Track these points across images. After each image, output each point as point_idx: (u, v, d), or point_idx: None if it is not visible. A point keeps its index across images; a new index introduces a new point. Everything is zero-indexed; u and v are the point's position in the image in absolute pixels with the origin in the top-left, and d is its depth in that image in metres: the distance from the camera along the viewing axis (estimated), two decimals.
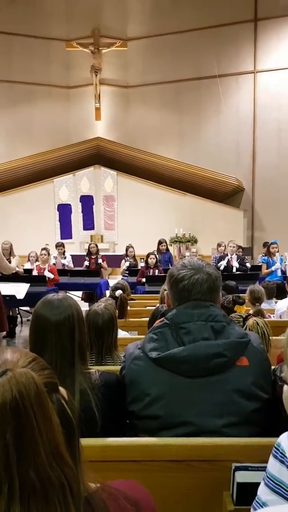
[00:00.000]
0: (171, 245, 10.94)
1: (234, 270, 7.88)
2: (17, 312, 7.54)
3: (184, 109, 13.25)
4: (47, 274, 7.42)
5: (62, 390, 0.76)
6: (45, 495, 0.66)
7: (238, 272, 7.75)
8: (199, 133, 13.27)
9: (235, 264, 7.99)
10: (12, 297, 5.94)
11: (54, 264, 8.07)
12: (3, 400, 0.65)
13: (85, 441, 0.76)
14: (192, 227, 12.01)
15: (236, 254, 8.26)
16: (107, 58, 13.35)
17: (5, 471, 0.65)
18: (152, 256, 7.68)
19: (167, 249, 8.92)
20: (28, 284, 6.35)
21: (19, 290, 6.14)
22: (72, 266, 8.76)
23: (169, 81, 13.24)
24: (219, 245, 9.41)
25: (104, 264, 8.55)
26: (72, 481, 0.68)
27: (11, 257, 7.23)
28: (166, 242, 8.95)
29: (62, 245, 8.97)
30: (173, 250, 11.09)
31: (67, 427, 0.71)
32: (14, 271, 4.33)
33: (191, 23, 12.77)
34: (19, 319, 7.73)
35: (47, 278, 7.25)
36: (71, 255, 9.13)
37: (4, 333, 6.31)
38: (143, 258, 8.20)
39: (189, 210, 12.25)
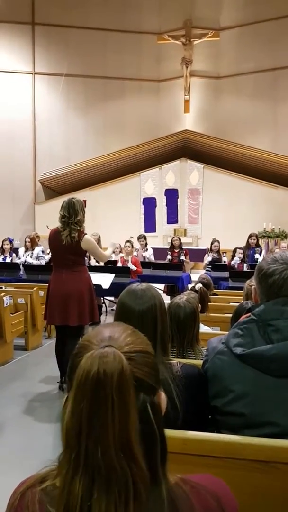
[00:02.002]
0: (258, 240, 10.57)
1: None
2: (102, 301, 7.83)
3: (280, 97, 12.73)
4: (130, 266, 7.59)
5: (162, 397, 0.74)
6: (108, 481, 0.66)
7: None
8: None
9: None
10: (98, 286, 6.17)
11: (135, 255, 8.24)
12: (88, 369, 0.67)
13: (166, 432, 0.75)
14: (283, 221, 11.49)
15: None
16: (198, 49, 13.22)
17: (75, 438, 0.67)
18: (239, 250, 7.51)
19: (257, 244, 8.58)
20: (113, 275, 6.54)
21: (105, 280, 6.34)
22: (153, 259, 8.85)
23: (264, 70, 12.78)
24: None
25: (187, 259, 8.54)
26: (139, 483, 0.67)
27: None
28: (257, 237, 8.62)
29: (144, 237, 9.09)
30: (261, 245, 10.73)
31: (148, 436, 0.69)
32: (109, 259, 4.33)
33: None
34: (104, 308, 8.02)
35: (130, 270, 7.42)
36: (153, 248, 9.23)
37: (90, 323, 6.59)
38: (225, 253, 8.03)
39: (280, 203, 11.76)
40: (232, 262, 7.49)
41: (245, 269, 7.31)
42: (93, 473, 0.66)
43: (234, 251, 7.54)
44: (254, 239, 8.35)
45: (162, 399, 0.75)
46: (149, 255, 8.81)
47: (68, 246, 3.96)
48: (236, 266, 7.47)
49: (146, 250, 8.86)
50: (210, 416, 1.39)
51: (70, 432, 0.68)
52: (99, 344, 0.72)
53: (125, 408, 0.67)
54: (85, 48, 13.24)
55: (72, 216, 3.95)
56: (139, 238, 9.03)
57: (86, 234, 4.06)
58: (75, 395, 0.68)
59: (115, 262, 8.05)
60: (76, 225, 3.96)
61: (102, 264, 7.73)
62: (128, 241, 8.22)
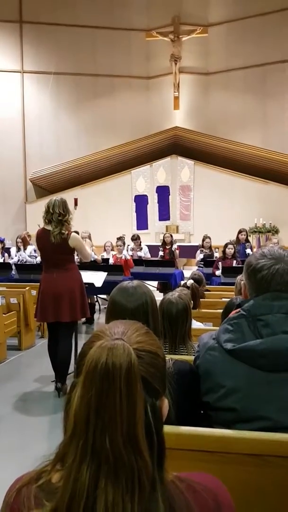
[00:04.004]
0: (249, 236, 10.64)
1: None
2: (95, 299, 7.83)
3: (269, 93, 12.77)
4: (125, 253, 7.63)
5: (165, 404, 0.75)
6: (115, 470, 0.66)
7: None
8: (285, 118, 12.71)
9: None
10: (91, 285, 6.16)
11: (131, 255, 8.25)
12: (96, 359, 0.68)
13: None
14: (274, 217, 11.56)
15: None
16: (186, 46, 13.21)
17: (84, 426, 0.67)
18: (230, 246, 7.52)
19: (247, 240, 8.66)
20: (106, 273, 6.54)
21: (97, 278, 6.33)
22: (149, 256, 8.86)
23: (253, 65, 12.80)
24: None
25: (176, 253, 8.62)
26: (143, 475, 0.67)
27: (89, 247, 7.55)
28: (246, 232, 8.70)
29: (138, 237, 9.10)
30: (252, 240, 10.78)
31: (148, 436, 0.69)
32: (91, 259, 4.55)
33: (276, 4, 12.22)
34: (97, 307, 8.01)
35: (123, 257, 7.43)
36: (146, 246, 9.23)
37: (84, 319, 6.60)
38: (217, 249, 8.05)
39: (271, 199, 11.81)
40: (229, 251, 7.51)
41: (235, 264, 7.32)
42: (100, 462, 0.66)
43: (225, 246, 7.55)
44: (244, 235, 8.42)
45: (165, 406, 0.75)
46: (145, 253, 8.83)
47: (57, 245, 3.99)
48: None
49: (141, 249, 8.87)
50: (202, 412, 1.40)
51: (79, 418, 0.67)
52: (111, 336, 0.73)
53: (132, 401, 0.67)
54: (74, 45, 13.17)
55: (66, 214, 4.01)
56: (132, 239, 9.04)
57: (73, 232, 4.10)
58: (84, 382, 0.68)
59: (108, 260, 8.05)
60: (67, 224, 4.01)
61: (97, 257, 7.74)
62: (119, 238, 8.23)
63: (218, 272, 7.15)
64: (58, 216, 3.98)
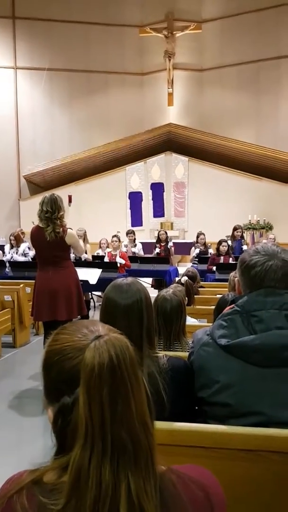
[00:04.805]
0: (244, 232, 10.68)
1: None
2: (90, 296, 7.81)
3: (263, 90, 12.77)
4: (118, 260, 7.59)
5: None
6: (135, 456, 0.67)
7: None
8: (279, 115, 12.72)
9: None
10: (85, 282, 6.16)
11: (125, 251, 8.24)
12: (101, 359, 0.68)
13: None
14: (268, 213, 11.58)
15: None
16: (180, 42, 13.18)
17: (100, 428, 0.67)
18: (224, 243, 7.53)
19: (242, 236, 8.71)
20: (100, 270, 6.53)
21: (92, 275, 6.33)
22: (143, 254, 8.85)
23: (247, 62, 12.79)
24: None
25: (172, 250, 8.64)
26: (154, 452, 0.70)
27: (85, 244, 7.52)
28: (242, 229, 8.74)
29: (133, 232, 9.09)
30: (246, 237, 10.80)
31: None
32: (84, 254, 4.60)
33: (270, 0, 12.22)
34: (92, 304, 8.01)
35: (118, 264, 7.40)
36: (141, 243, 9.23)
37: (79, 317, 6.58)
38: (210, 245, 8.06)
39: (265, 195, 11.82)
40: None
41: (231, 261, 7.34)
42: (118, 454, 0.67)
43: (219, 243, 7.56)
44: (239, 232, 8.45)
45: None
46: (138, 250, 8.82)
47: (53, 243, 3.94)
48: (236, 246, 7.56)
49: (135, 245, 8.86)
50: (196, 408, 1.40)
51: (94, 424, 0.67)
52: (86, 338, 0.72)
53: (139, 382, 0.70)
54: (68, 41, 13.09)
55: (55, 211, 3.94)
56: (127, 233, 9.03)
57: (68, 228, 4.06)
58: (90, 389, 0.67)
59: (103, 257, 8.03)
60: (59, 221, 3.96)
61: (87, 257, 7.72)
62: (115, 235, 8.21)
63: (214, 268, 7.20)
64: (45, 214, 3.92)
